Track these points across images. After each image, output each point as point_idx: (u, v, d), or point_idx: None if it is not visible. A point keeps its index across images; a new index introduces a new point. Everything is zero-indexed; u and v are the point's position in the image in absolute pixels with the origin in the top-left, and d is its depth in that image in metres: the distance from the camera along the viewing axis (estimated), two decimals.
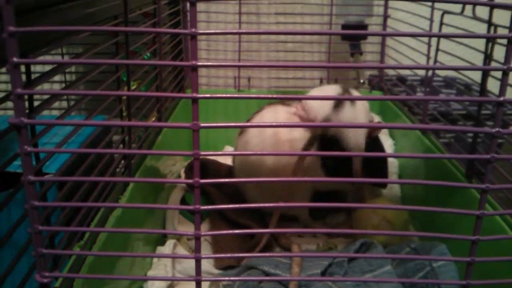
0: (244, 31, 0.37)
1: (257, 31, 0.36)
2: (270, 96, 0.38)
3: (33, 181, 0.36)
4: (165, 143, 0.86)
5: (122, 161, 0.71)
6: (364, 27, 1.12)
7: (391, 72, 1.15)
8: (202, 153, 0.35)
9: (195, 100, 0.34)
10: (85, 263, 0.49)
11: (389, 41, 1.14)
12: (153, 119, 0.98)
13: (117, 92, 0.52)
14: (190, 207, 0.37)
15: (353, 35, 1.08)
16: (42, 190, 0.45)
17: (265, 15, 1.22)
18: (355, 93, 0.81)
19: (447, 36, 1.03)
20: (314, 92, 0.82)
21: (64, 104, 1.26)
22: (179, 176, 0.95)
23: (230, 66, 0.36)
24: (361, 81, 1.04)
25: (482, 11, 0.68)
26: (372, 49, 1.15)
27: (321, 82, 1.13)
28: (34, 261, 0.39)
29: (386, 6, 1.09)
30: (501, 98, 0.35)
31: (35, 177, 0.36)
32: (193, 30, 0.32)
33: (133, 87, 1.06)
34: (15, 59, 0.33)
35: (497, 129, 0.35)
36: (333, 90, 0.79)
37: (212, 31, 0.35)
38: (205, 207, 0.37)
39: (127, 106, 0.72)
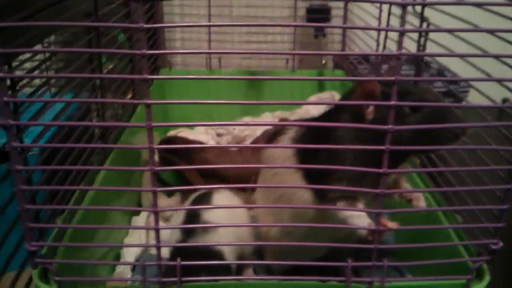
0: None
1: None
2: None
3: (19, 169, 0.45)
4: (139, 122, 0.94)
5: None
6: (328, 9, 1.19)
7: (356, 50, 1.23)
8: (155, 146, 0.44)
9: (148, 106, 0.42)
10: (66, 234, 0.58)
11: (351, 22, 1.21)
12: (130, 96, 1.06)
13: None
14: (148, 189, 0.46)
15: (317, 19, 1.16)
16: (28, 174, 0.54)
17: None
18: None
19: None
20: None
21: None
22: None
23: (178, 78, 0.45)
24: (323, 61, 1.12)
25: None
26: (334, 31, 1.23)
27: (287, 62, 1.21)
28: (23, 233, 0.48)
29: None
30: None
31: (21, 167, 0.45)
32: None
33: (110, 66, 1.15)
34: (0, 73, 0.41)
35: (390, 126, 0.44)
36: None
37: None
38: (160, 189, 0.46)
39: (100, 87, 0.79)
